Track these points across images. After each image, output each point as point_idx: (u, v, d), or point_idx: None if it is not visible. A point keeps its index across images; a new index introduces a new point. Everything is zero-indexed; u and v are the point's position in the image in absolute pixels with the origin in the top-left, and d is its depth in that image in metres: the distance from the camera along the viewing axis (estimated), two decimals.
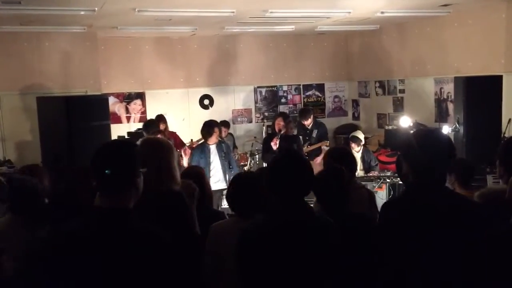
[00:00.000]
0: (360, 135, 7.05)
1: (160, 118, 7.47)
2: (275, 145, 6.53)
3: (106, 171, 1.86)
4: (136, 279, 1.81)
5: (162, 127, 7.30)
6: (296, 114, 9.96)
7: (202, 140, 6.48)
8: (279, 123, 6.82)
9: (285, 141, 6.61)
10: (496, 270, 2.13)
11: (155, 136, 5.62)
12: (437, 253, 2.13)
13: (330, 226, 2.19)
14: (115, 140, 6.00)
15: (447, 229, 2.13)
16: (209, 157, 6.21)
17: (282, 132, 6.73)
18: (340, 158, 3.26)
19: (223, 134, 7.53)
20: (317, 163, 6.88)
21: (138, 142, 3.13)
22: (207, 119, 6.58)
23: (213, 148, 6.26)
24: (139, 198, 2.19)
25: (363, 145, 7.05)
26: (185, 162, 6.07)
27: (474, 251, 2.12)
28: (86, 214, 1.92)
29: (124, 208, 1.91)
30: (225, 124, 8.30)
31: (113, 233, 1.84)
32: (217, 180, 6.22)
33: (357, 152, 6.85)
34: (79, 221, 1.92)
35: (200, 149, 6.29)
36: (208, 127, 6.28)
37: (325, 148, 7.26)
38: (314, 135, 7.56)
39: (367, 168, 6.79)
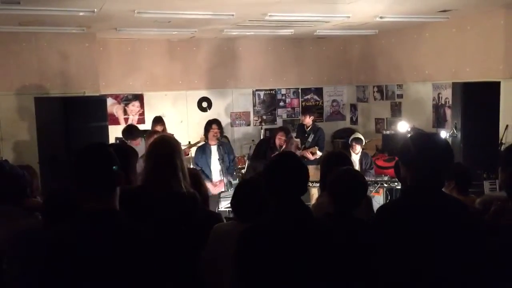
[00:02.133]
0: (362, 137, 7.13)
1: (158, 120, 7.46)
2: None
3: (114, 167, 1.88)
4: (128, 279, 1.81)
5: (160, 129, 7.26)
6: (295, 118, 10.01)
7: (202, 142, 6.49)
8: (281, 138, 6.58)
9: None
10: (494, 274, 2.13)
11: (169, 134, 5.59)
12: (433, 257, 2.12)
13: (328, 227, 2.19)
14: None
15: (443, 233, 2.13)
16: (210, 158, 6.22)
17: (283, 148, 6.46)
18: (337, 162, 3.26)
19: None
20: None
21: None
22: (205, 121, 6.58)
23: (214, 149, 6.27)
24: (155, 197, 2.17)
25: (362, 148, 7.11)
26: None
27: (471, 256, 2.12)
28: (78, 217, 1.92)
29: (114, 209, 1.90)
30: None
31: (106, 234, 1.83)
32: (216, 182, 6.22)
33: (356, 154, 6.87)
34: (72, 223, 1.91)
35: (202, 149, 6.31)
36: (206, 125, 6.34)
37: (318, 153, 7.22)
38: (310, 139, 7.55)
39: (363, 171, 6.80)
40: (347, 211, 2.60)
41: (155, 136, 5.83)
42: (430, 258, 2.12)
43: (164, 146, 2.89)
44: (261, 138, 8.66)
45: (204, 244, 2.67)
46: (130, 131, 6.62)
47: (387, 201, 6.46)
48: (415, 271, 2.13)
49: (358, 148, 6.87)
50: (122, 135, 6.67)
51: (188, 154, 7.72)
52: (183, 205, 2.72)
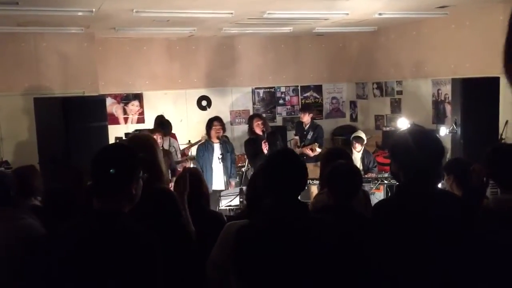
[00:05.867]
0: (363, 135, 7.09)
1: (159, 124, 7.45)
2: (266, 149, 6.22)
3: (111, 170, 1.86)
4: (125, 281, 1.81)
5: (158, 134, 7.26)
6: (294, 116, 10.00)
7: (202, 141, 6.50)
8: (258, 123, 6.47)
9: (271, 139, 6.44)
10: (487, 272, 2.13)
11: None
12: (428, 254, 2.12)
13: (325, 225, 2.18)
14: (118, 143, 5.97)
15: (439, 229, 2.12)
16: (212, 156, 6.23)
17: (264, 131, 6.40)
18: (337, 158, 3.25)
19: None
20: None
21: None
22: (205, 120, 6.58)
23: (216, 147, 6.28)
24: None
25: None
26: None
27: (464, 253, 2.11)
28: (79, 216, 1.91)
29: (116, 211, 1.90)
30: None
31: (102, 234, 1.83)
32: (217, 180, 6.23)
33: (357, 152, 6.86)
34: (71, 222, 1.91)
35: (205, 146, 6.33)
36: (209, 121, 6.34)
37: (317, 150, 7.18)
38: (309, 136, 7.53)
39: (366, 169, 6.79)
40: (345, 203, 2.62)
41: (157, 134, 5.88)
42: (428, 254, 2.11)
43: (138, 144, 2.82)
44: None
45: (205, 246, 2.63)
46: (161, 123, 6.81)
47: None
48: (410, 268, 2.13)
49: (358, 147, 6.85)
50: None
51: (188, 154, 7.72)
52: (157, 203, 2.61)
